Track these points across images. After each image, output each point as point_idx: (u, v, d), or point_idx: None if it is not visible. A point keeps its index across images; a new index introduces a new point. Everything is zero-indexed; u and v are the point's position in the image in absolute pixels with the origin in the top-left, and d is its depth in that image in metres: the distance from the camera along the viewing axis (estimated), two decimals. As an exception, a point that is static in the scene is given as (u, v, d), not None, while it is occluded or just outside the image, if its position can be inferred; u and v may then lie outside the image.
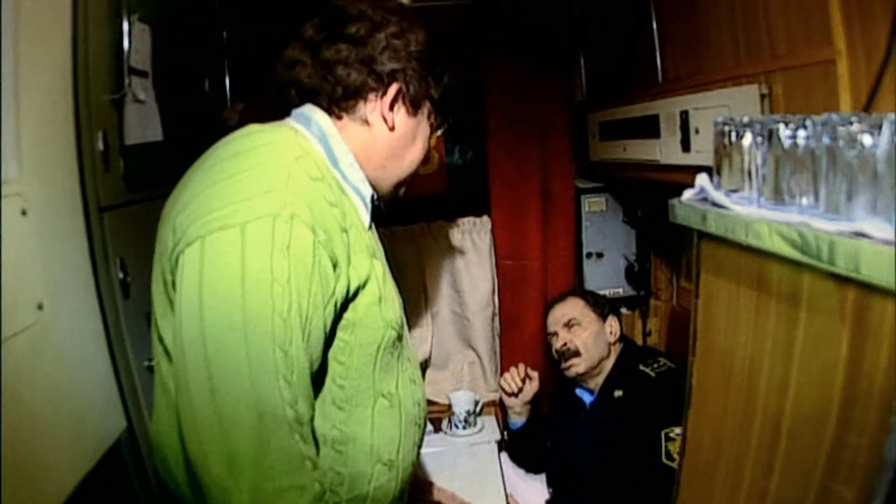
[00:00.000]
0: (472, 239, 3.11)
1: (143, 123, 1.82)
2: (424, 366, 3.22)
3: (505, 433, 2.97)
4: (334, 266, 1.22)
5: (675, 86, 2.04)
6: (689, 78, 1.97)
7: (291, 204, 1.15)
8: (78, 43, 1.49)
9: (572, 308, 2.77)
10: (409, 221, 3.07)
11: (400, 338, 1.42)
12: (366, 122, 1.43)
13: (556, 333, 2.75)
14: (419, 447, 1.53)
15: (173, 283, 1.20)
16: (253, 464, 1.10)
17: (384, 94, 1.42)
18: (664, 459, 2.21)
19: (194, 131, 2.17)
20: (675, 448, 2.18)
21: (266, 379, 1.10)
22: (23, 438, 1.17)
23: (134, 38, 1.73)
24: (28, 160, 1.28)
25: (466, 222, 3.11)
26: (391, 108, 1.43)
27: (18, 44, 1.25)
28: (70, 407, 1.37)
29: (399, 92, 1.43)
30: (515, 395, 2.81)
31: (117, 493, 1.59)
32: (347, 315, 1.29)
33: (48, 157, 1.38)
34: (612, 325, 2.73)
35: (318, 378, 1.27)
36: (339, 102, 1.42)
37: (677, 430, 2.19)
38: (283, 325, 1.12)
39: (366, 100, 1.42)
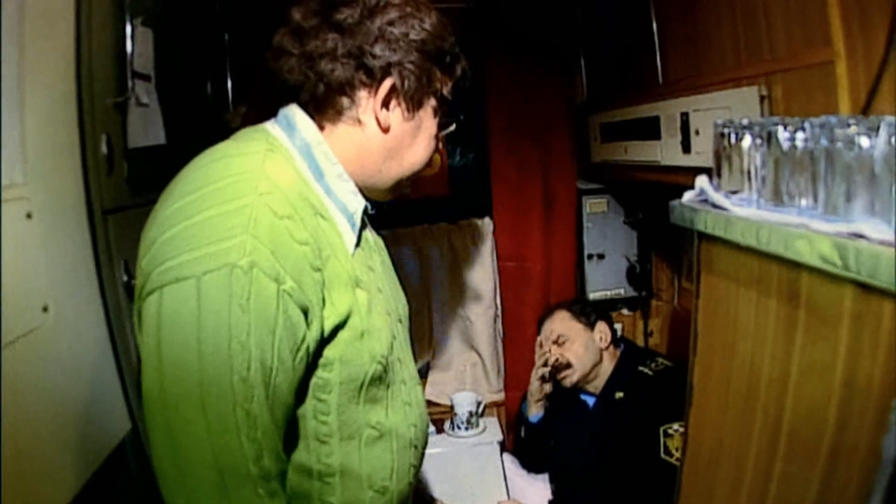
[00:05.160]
0: (475, 240, 3.12)
1: (146, 127, 1.83)
2: (427, 367, 3.24)
3: (522, 429, 2.96)
4: (305, 312, 1.14)
5: (675, 87, 2.05)
6: (690, 79, 1.98)
7: (252, 251, 1.06)
8: (81, 46, 1.50)
9: (559, 324, 2.81)
10: (411, 223, 3.08)
11: (386, 370, 1.31)
12: (358, 121, 1.30)
13: (547, 350, 2.79)
14: (419, 467, 1.46)
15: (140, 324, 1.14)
16: None
17: (377, 90, 1.28)
18: (662, 455, 2.26)
19: (197, 134, 2.18)
20: (672, 444, 2.23)
21: (226, 437, 1.05)
22: (27, 440, 1.18)
23: (137, 42, 1.73)
24: (33, 164, 1.29)
25: (468, 224, 3.13)
26: (385, 105, 1.30)
27: (23, 48, 1.26)
28: (74, 409, 1.38)
29: (393, 88, 1.29)
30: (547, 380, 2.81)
31: (121, 496, 1.59)
32: (327, 353, 1.21)
33: (52, 160, 1.39)
34: (602, 330, 2.77)
35: (299, 415, 1.22)
36: (321, 101, 1.30)
37: (675, 426, 2.24)
38: (243, 384, 1.05)
39: (353, 98, 1.29)
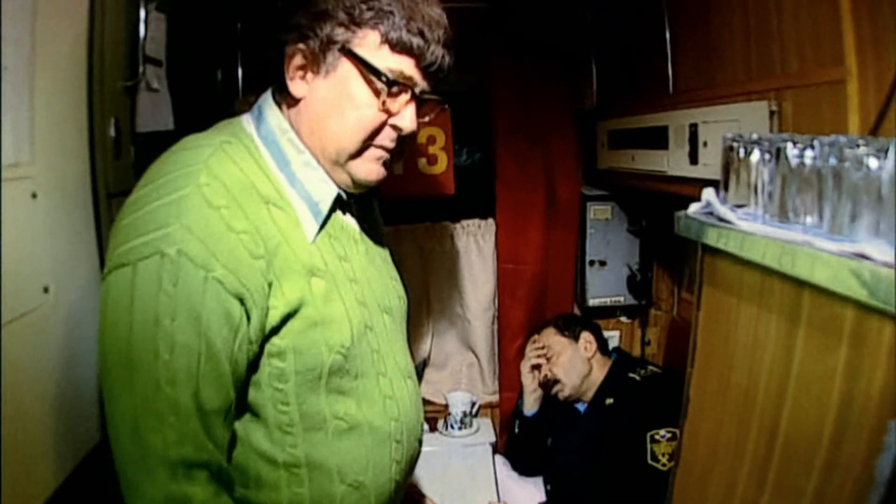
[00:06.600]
0: (476, 241, 3.12)
1: (156, 112, 1.83)
2: (423, 365, 3.23)
3: (517, 423, 2.99)
4: (241, 300, 1.15)
5: (685, 98, 2.05)
6: (700, 91, 1.98)
7: (181, 240, 1.10)
8: (94, 28, 1.50)
9: (545, 339, 2.87)
10: (414, 221, 3.08)
11: (348, 360, 1.30)
12: (293, 98, 1.32)
13: (536, 366, 2.87)
14: (405, 463, 1.44)
15: None
16: (139, 495, 1.12)
17: (288, 64, 1.30)
18: (649, 461, 2.29)
19: (205, 122, 2.18)
20: (659, 450, 2.26)
21: (148, 419, 1.10)
22: (22, 420, 1.18)
23: (150, 27, 1.73)
24: (40, 144, 1.29)
25: (471, 224, 3.12)
26: (293, 76, 1.30)
27: (35, 27, 1.26)
28: (70, 391, 1.38)
29: (293, 55, 1.28)
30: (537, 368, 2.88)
31: (114, 479, 1.59)
32: (277, 342, 1.22)
33: (60, 141, 1.39)
34: (587, 339, 2.81)
35: (258, 404, 1.25)
36: (266, 84, 1.38)
37: (662, 431, 2.27)
38: (166, 368, 1.10)
39: (280, 74, 1.31)
